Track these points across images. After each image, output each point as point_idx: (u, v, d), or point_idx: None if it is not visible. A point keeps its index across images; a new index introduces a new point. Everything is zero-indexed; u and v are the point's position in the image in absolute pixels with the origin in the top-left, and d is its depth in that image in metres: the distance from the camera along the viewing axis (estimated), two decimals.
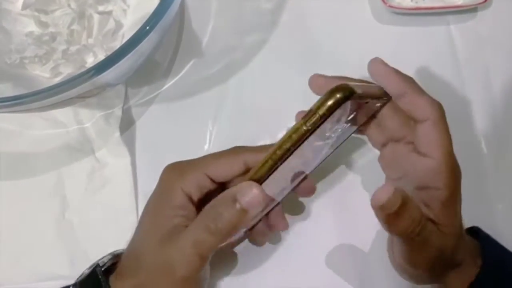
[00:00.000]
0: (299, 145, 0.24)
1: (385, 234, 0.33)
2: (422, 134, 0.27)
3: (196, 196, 0.29)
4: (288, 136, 0.24)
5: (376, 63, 0.28)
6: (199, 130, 0.39)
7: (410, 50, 0.41)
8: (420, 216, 0.25)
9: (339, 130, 0.29)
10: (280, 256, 0.36)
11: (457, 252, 0.28)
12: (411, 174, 0.28)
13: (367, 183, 0.37)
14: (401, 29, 0.42)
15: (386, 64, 0.29)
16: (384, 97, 0.29)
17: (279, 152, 0.24)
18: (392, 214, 0.24)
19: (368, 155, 0.37)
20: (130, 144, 0.39)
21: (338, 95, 0.24)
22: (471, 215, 0.33)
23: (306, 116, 0.24)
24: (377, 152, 0.32)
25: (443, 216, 0.27)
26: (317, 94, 0.29)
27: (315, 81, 0.29)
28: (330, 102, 0.24)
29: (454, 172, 0.27)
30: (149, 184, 0.30)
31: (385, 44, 0.41)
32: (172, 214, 0.28)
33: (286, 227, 0.32)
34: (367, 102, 0.28)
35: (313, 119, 0.24)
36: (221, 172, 0.29)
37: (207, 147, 0.39)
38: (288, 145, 0.24)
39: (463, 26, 0.41)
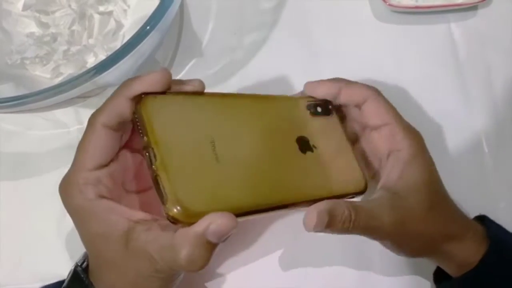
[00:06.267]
0: None
1: None
2: (367, 111, 0.30)
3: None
4: None
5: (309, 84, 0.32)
6: None
7: (411, 49, 0.41)
8: (348, 213, 0.26)
9: None
10: (280, 256, 0.36)
11: (445, 222, 0.29)
12: (375, 151, 0.31)
13: None
14: (401, 28, 0.42)
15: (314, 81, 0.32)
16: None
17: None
18: (326, 226, 0.26)
19: None
20: None
21: None
22: (473, 213, 0.33)
23: None
24: None
25: (407, 176, 0.28)
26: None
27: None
28: None
29: (409, 132, 0.30)
30: None
31: (386, 42, 0.41)
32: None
33: None
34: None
35: None
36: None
37: None
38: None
39: (463, 24, 0.41)
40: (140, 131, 0.25)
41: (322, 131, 0.31)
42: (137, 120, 0.25)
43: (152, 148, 0.24)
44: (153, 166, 0.23)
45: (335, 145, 0.31)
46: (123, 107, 0.26)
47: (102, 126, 0.26)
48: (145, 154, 0.24)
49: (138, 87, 0.26)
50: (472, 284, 0.29)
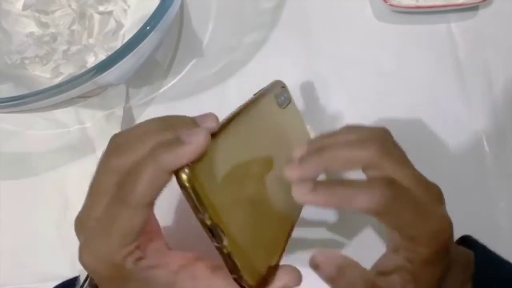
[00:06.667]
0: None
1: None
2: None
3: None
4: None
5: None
6: None
7: (411, 49, 0.41)
8: (360, 285, 0.25)
9: None
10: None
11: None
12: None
13: None
14: (402, 28, 0.42)
15: None
16: None
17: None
18: (330, 277, 0.25)
19: None
20: None
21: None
22: (472, 213, 0.33)
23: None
24: None
25: (422, 274, 0.25)
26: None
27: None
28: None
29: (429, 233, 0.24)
30: None
31: (386, 43, 0.41)
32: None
33: None
34: None
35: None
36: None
37: None
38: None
39: (464, 24, 0.41)
40: (195, 206, 0.22)
41: (290, 121, 0.30)
42: (189, 195, 0.22)
43: (219, 227, 0.22)
44: (225, 250, 0.22)
45: (299, 133, 0.32)
46: (163, 182, 0.23)
47: (142, 206, 0.23)
48: (207, 230, 0.22)
49: (182, 161, 0.22)
50: None
